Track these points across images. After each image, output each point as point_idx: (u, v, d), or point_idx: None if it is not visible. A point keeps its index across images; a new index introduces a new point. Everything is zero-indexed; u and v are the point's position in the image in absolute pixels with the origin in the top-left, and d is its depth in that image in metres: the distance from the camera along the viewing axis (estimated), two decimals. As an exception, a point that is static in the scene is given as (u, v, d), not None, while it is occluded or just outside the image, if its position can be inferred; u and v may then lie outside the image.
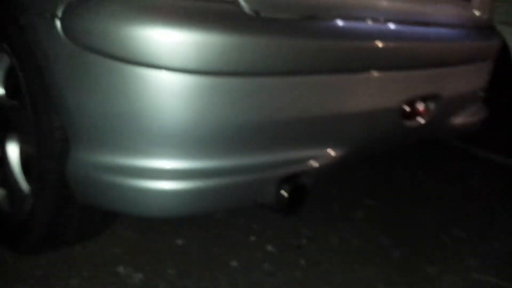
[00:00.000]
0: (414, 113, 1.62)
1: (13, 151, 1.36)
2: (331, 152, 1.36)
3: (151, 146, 1.08)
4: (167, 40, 0.99)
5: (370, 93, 1.41)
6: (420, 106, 1.63)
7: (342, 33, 1.28)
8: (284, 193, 1.25)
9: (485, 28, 1.93)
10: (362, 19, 1.36)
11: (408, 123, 1.61)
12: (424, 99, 1.63)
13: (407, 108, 1.58)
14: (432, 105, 1.67)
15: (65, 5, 1.03)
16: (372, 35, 1.37)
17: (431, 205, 2.19)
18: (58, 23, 1.04)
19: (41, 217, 1.25)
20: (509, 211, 2.23)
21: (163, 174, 1.09)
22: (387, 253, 1.75)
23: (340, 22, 1.28)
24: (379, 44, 1.37)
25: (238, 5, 1.07)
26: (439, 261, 1.74)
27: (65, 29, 1.03)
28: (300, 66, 1.18)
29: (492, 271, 1.71)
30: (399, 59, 1.47)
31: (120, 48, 1.00)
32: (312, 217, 1.89)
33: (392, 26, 1.45)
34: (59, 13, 1.04)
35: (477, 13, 1.86)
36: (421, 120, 1.65)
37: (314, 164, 1.32)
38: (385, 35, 1.42)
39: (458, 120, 1.91)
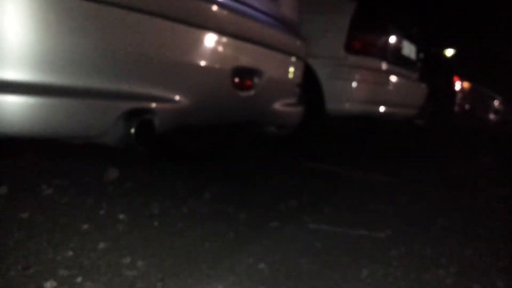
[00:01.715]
0: (243, 83, 1.85)
1: None
2: (175, 97, 1.49)
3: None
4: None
5: (206, 50, 1.61)
6: (247, 78, 1.87)
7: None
8: (131, 127, 1.33)
9: (292, 27, 2.30)
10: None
11: (239, 92, 1.82)
12: (249, 72, 1.88)
13: (237, 79, 1.80)
14: (256, 80, 1.92)
15: None
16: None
17: (269, 190, 2.40)
18: None
19: None
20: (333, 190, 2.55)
21: (9, 87, 1.10)
22: (234, 216, 1.88)
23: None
24: (210, 7, 1.60)
25: None
26: (279, 218, 1.91)
27: None
28: (135, 4, 1.31)
29: (325, 221, 1.93)
30: (231, 27, 1.71)
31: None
32: (161, 198, 1.95)
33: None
34: None
35: (286, 11, 2.22)
36: (248, 92, 1.88)
37: (160, 104, 1.43)
38: (215, 2, 1.64)
39: (278, 107, 2.19)
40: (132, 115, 1.34)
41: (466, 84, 10.12)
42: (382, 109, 3.91)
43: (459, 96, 9.59)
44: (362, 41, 3.69)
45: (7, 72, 1.11)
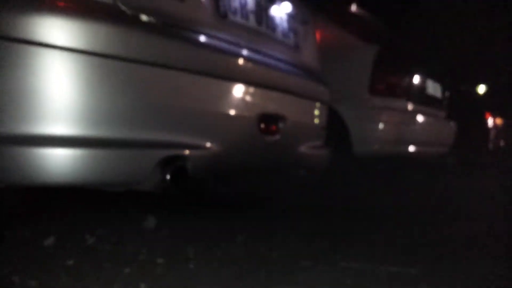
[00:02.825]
0: (268, 128, 1.96)
1: None
2: (206, 144, 1.61)
3: (47, 117, 1.24)
4: (59, 23, 1.23)
5: (233, 99, 1.74)
6: (272, 123, 1.99)
7: (202, 45, 1.62)
8: (166, 173, 1.46)
9: (313, 73, 2.43)
10: (221, 39, 1.72)
11: (265, 137, 1.93)
12: (274, 118, 1.99)
13: (263, 124, 1.91)
14: (281, 125, 2.03)
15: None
16: (229, 52, 1.73)
17: (301, 231, 2.46)
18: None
19: None
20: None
21: (59, 141, 1.25)
22: (267, 256, 1.95)
23: (201, 36, 1.62)
24: (235, 60, 1.75)
25: (116, 3, 1.36)
26: (310, 258, 1.96)
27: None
28: (167, 61, 1.46)
29: (355, 259, 1.97)
30: (255, 77, 1.84)
31: (20, 31, 1.21)
32: (196, 242, 2.04)
33: (244, 50, 1.83)
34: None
35: (306, 59, 2.36)
36: (274, 137, 1.99)
37: (192, 151, 1.56)
38: (240, 55, 1.79)
39: (305, 149, 2.29)
40: (167, 162, 1.46)
41: (499, 121, 10.00)
42: (411, 148, 3.96)
43: (492, 132, 9.47)
44: (386, 83, 3.80)
45: (55, 128, 1.26)
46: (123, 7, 1.38)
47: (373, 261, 1.95)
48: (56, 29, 1.25)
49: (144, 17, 1.43)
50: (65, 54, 1.26)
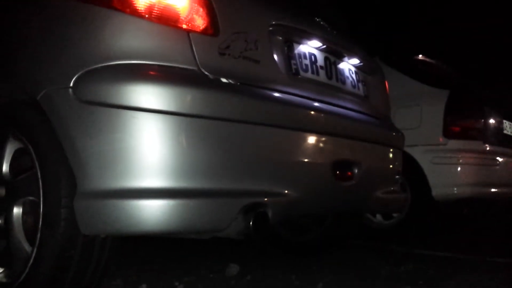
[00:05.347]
0: (343, 174, 2.03)
1: (17, 219, 1.61)
2: (285, 191, 1.71)
3: (143, 172, 1.41)
4: (151, 89, 1.41)
5: (309, 148, 1.85)
6: (347, 169, 2.06)
7: (277, 100, 1.76)
8: (249, 220, 1.56)
9: (385, 120, 2.50)
10: (294, 94, 1.85)
11: (340, 183, 2.00)
12: (349, 164, 2.06)
13: (338, 171, 1.99)
14: (355, 170, 2.09)
15: (75, 77, 1.45)
16: (302, 106, 1.85)
17: (383, 279, 2.46)
18: (70, 90, 1.44)
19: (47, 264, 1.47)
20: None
21: (154, 193, 1.40)
22: None
23: (275, 93, 1.76)
24: (308, 113, 1.86)
25: (200, 69, 1.54)
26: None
27: (75, 93, 1.44)
28: (246, 117, 1.60)
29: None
30: (328, 127, 1.94)
31: (117, 98, 1.40)
32: None
33: (317, 103, 1.94)
34: (71, 83, 1.45)
35: (376, 107, 2.44)
36: (349, 182, 2.05)
37: (272, 198, 1.66)
38: (312, 108, 1.91)
39: (380, 194, 2.32)
40: (249, 209, 1.57)
41: None
42: (492, 190, 3.85)
43: None
44: (460, 125, 3.77)
45: (150, 181, 1.41)
46: (205, 72, 1.55)
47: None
48: (149, 95, 1.42)
49: (224, 80, 1.59)
50: (156, 116, 1.43)
